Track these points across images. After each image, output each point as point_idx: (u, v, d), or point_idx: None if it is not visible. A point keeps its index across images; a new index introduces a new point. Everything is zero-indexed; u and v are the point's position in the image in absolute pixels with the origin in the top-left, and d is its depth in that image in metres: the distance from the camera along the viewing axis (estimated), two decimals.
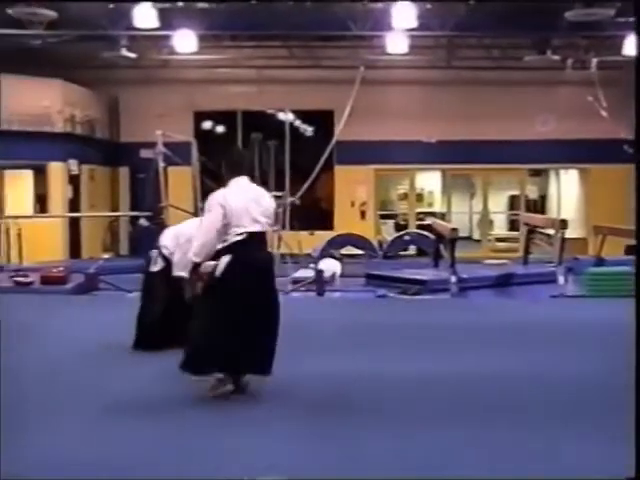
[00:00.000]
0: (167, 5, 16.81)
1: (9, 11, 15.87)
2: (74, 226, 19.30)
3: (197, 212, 16.62)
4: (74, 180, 19.52)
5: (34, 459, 4.90)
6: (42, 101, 18.47)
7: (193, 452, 5.01)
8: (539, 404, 6.24)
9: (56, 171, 19.03)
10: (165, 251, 8.34)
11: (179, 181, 17.78)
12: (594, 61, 17.49)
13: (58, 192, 19.02)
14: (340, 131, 17.04)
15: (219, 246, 6.19)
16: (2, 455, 4.73)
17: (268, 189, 17.08)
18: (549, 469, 4.66)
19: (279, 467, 4.74)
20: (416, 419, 5.81)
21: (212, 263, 6.20)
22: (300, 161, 17.71)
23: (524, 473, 4.65)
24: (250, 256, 6.19)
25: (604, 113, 16.32)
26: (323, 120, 20.56)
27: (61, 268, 14.48)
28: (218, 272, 6.15)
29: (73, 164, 19.37)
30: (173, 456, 4.96)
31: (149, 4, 16.37)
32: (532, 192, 24.83)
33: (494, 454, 4.96)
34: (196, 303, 6.37)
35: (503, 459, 4.90)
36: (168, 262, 8.12)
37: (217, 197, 6.26)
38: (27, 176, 19.16)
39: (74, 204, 19.47)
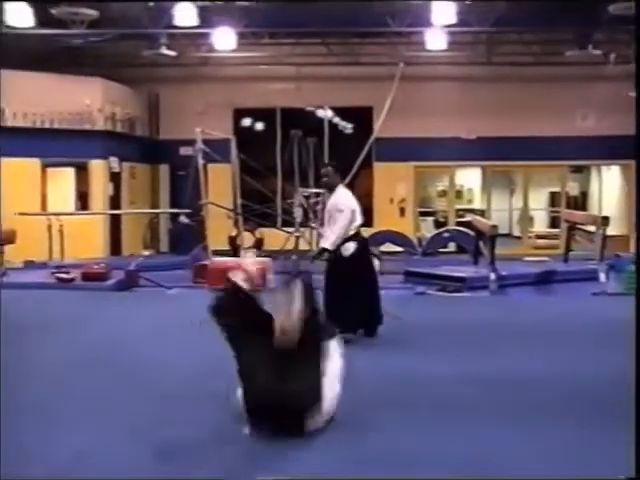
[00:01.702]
0: (207, 3, 16.93)
1: (52, 11, 16.09)
2: (115, 223, 19.49)
3: (236, 209, 16.73)
4: (115, 177, 19.70)
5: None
6: (83, 99, 18.68)
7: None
8: (588, 403, 6.20)
9: (97, 168, 19.23)
10: None
11: (219, 178, 17.89)
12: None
13: (99, 189, 19.22)
14: (379, 128, 16.96)
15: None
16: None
17: (307, 186, 17.23)
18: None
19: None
20: (476, 417, 5.79)
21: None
22: (339, 158, 17.66)
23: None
24: (364, 241, 8.85)
25: None
26: (362, 117, 20.50)
27: (102, 265, 14.63)
28: (348, 253, 8.48)
29: (114, 161, 19.56)
30: None
31: (189, 2, 16.49)
32: (573, 189, 24.58)
33: (553, 453, 4.94)
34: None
35: (564, 458, 4.88)
36: None
37: (347, 201, 8.70)
38: (69, 173, 19.38)
39: (115, 201, 19.66)
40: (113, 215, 19.39)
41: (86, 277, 13.93)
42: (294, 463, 4.72)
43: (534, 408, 6.03)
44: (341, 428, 5.33)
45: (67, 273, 14.07)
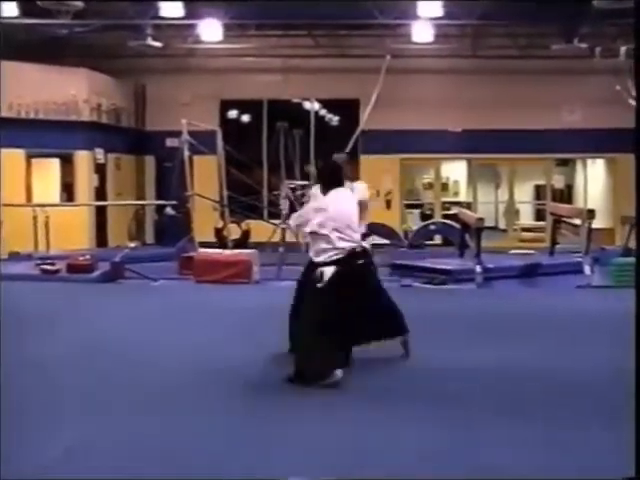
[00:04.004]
0: None
1: (37, 1, 15.97)
2: (100, 215, 19.42)
3: (223, 201, 16.70)
4: (100, 169, 19.63)
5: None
6: (68, 90, 18.59)
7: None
8: (568, 395, 6.24)
9: (82, 160, 19.15)
10: None
11: (205, 170, 17.84)
12: (623, 49, 17.28)
13: (84, 181, 19.14)
14: (365, 120, 16.98)
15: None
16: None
17: (294, 178, 17.20)
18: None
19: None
20: (457, 407, 5.82)
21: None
22: (325, 150, 17.68)
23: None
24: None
25: (632, 102, 16.13)
26: (348, 109, 20.50)
27: (87, 256, 14.58)
28: None
29: (99, 153, 19.48)
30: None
31: None
32: (558, 182, 24.65)
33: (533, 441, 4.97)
34: None
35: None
36: None
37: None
38: (54, 164, 19.30)
39: (100, 193, 19.60)
40: (99, 207, 19.32)
41: (71, 269, 13.88)
42: None
43: (514, 400, 6.07)
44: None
45: (52, 265, 14.02)
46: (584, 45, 17.92)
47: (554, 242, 17.50)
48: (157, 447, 4.94)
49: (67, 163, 19.19)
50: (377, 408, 5.83)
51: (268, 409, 5.82)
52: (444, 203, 22.86)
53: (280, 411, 5.76)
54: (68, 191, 19.30)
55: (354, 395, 6.14)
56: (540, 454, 4.83)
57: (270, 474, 4.50)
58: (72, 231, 17.83)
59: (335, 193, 6.63)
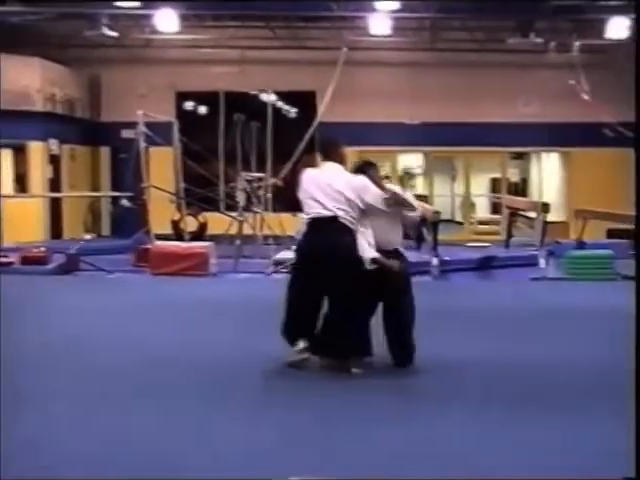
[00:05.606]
0: None
1: None
2: (55, 206, 19.18)
3: (179, 193, 16.59)
4: (54, 160, 19.38)
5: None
6: (21, 80, 18.29)
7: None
8: (519, 387, 6.30)
9: (36, 150, 18.89)
10: None
11: (161, 162, 17.66)
12: (576, 44, 17.50)
13: (38, 172, 18.89)
14: (323, 112, 16.97)
15: None
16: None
17: (250, 170, 17.13)
18: None
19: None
20: (406, 401, 5.83)
21: None
22: (282, 142, 17.66)
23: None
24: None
25: (586, 96, 16.34)
26: (306, 101, 20.46)
27: (42, 249, 14.40)
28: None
29: (53, 144, 19.23)
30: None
31: None
32: (514, 175, 24.89)
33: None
34: None
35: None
36: None
37: None
38: (6, 155, 18.99)
39: (54, 184, 19.35)
40: (53, 198, 19.07)
41: (25, 261, 13.70)
42: None
43: (460, 393, 6.10)
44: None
45: (5, 257, 13.82)
46: (539, 40, 18.07)
47: (509, 235, 17.68)
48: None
49: (20, 154, 18.90)
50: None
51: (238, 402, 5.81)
52: None
53: (250, 403, 5.75)
54: (21, 182, 19.03)
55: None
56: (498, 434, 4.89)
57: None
58: (26, 223, 17.58)
59: None
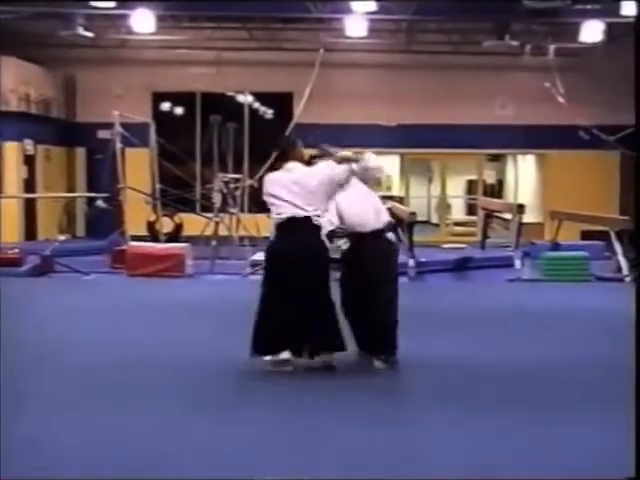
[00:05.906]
0: None
1: None
2: (29, 207, 19.03)
3: (155, 194, 16.53)
4: (29, 160, 19.23)
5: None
6: None
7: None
8: (493, 388, 6.32)
9: (10, 151, 18.73)
10: None
11: (137, 163, 17.58)
12: (551, 47, 17.59)
13: (12, 172, 18.72)
14: (299, 114, 16.98)
15: None
16: None
17: (227, 171, 17.10)
18: None
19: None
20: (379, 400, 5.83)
21: None
22: (259, 143, 17.63)
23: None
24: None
25: (561, 99, 16.44)
26: (282, 102, 20.46)
27: (16, 250, 14.29)
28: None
29: (28, 144, 19.09)
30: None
31: None
32: (490, 177, 25.02)
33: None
34: None
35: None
36: None
37: None
38: None
39: (29, 185, 19.20)
40: (28, 199, 18.92)
41: None
42: None
43: (442, 393, 6.13)
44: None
45: None
46: (515, 42, 18.18)
47: (485, 236, 17.78)
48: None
49: None
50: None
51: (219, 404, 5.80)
52: None
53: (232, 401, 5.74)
54: None
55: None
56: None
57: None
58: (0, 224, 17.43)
59: None
